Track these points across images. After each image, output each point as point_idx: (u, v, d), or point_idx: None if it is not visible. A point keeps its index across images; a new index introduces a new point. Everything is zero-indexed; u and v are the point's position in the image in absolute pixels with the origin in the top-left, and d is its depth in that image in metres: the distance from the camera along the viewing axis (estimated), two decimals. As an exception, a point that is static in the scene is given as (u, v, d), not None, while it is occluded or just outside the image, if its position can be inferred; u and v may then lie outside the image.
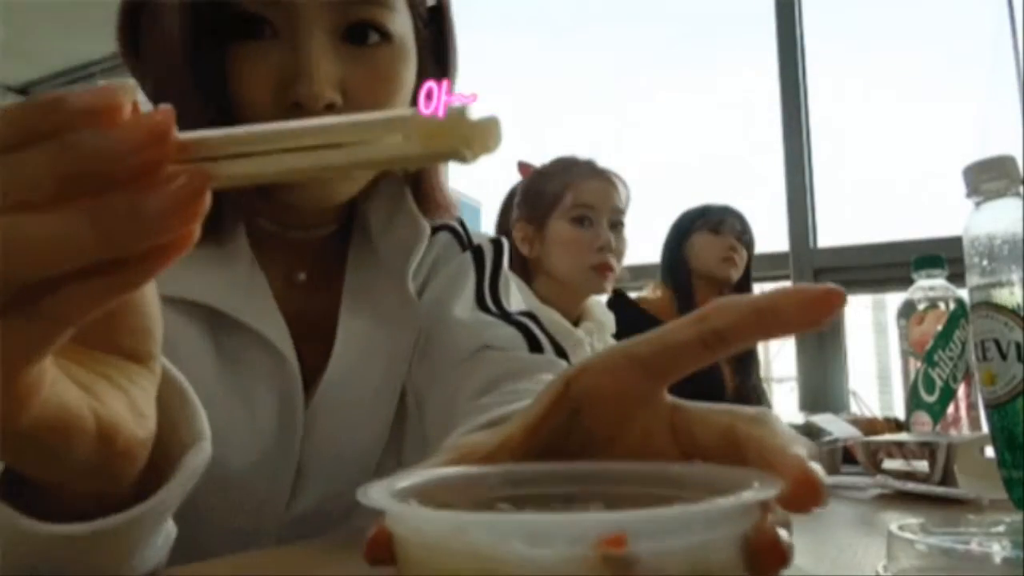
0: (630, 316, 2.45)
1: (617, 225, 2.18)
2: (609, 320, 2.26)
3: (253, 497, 0.81)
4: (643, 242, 2.70)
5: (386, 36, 0.79)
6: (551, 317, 1.97)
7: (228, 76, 0.75)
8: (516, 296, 1.00)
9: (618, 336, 2.18)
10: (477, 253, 0.99)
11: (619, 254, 2.17)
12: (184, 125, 0.34)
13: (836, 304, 0.36)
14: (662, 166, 3.40)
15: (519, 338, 0.89)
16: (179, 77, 0.74)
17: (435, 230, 0.97)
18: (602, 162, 2.25)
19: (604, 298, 2.32)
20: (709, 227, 2.66)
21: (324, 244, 0.91)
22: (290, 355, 0.82)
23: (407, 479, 0.35)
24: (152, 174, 0.32)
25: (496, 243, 1.02)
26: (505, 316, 0.93)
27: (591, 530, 0.26)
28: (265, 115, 0.73)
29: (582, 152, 2.29)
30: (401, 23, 0.81)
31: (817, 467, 0.33)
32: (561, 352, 0.90)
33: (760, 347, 2.67)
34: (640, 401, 0.40)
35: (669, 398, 0.40)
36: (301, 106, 0.73)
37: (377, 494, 0.31)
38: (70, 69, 4.67)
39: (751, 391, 2.58)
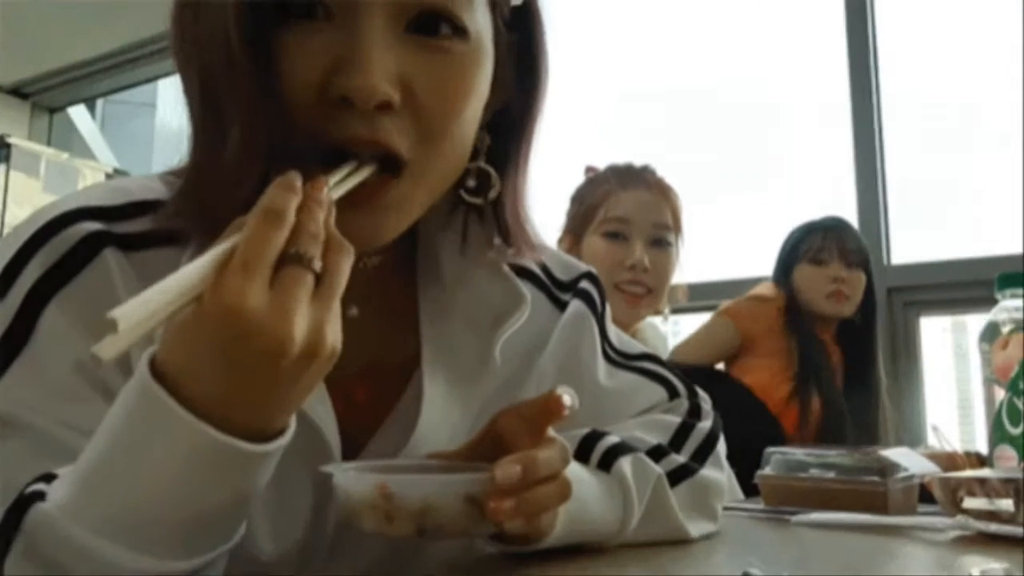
0: (731, 397, 2.40)
1: (660, 242, 2.14)
2: (662, 345, 2.25)
3: None
4: (704, 260, 2.69)
5: (460, 31, 0.76)
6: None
7: (276, 58, 0.73)
8: (613, 327, 1.05)
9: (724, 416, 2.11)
10: (584, 297, 1.00)
11: (659, 275, 2.12)
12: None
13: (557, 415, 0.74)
14: (723, 174, 3.36)
15: (662, 392, 1.03)
16: (229, 55, 0.72)
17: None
18: (661, 168, 2.21)
19: (658, 319, 2.31)
20: (810, 257, 2.59)
21: (379, 273, 0.89)
22: (332, 436, 0.81)
23: (377, 462, 0.80)
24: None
25: (592, 278, 1.03)
26: (638, 368, 1.03)
27: (375, 480, 0.69)
28: (310, 106, 0.72)
29: (641, 158, 2.25)
30: (479, 19, 0.78)
31: (506, 476, 0.68)
32: (689, 388, 1.04)
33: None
34: (525, 435, 0.74)
35: (549, 434, 0.75)
36: (350, 101, 0.71)
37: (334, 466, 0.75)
38: (65, 68, 4.69)
39: (847, 426, 2.50)
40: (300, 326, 0.58)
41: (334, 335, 0.61)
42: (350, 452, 0.83)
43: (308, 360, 0.59)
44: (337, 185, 0.69)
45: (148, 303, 0.54)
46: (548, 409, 0.73)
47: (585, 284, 1.02)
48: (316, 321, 0.59)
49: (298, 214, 0.60)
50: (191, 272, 0.57)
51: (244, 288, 0.56)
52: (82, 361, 0.71)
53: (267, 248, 0.58)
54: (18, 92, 4.92)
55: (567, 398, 0.73)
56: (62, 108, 5.09)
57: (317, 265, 0.60)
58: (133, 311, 0.53)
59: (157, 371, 0.59)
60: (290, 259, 0.59)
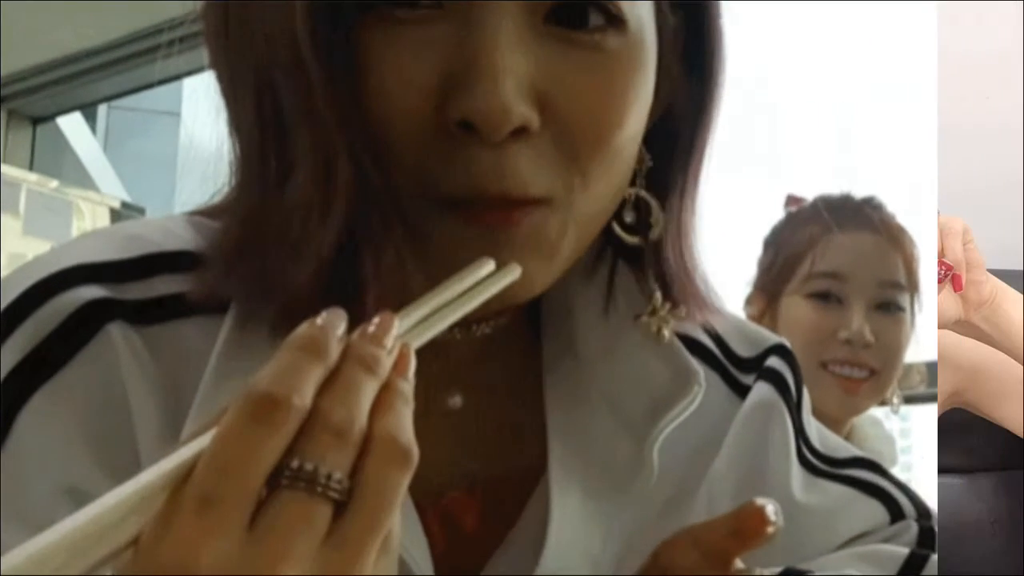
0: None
1: (888, 306, 1.94)
2: (887, 448, 2.12)
3: None
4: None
5: (615, 20, 0.66)
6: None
7: (363, 64, 0.63)
8: (814, 421, 0.97)
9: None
10: (773, 379, 0.89)
11: (887, 351, 1.93)
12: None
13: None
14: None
15: (881, 512, 0.91)
16: (297, 59, 0.62)
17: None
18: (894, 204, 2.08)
19: (883, 412, 2.15)
20: None
21: (490, 344, 0.79)
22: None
23: None
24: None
25: (784, 353, 0.91)
26: (848, 478, 0.92)
27: None
28: (418, 132, 0.62)
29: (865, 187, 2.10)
30: (640, 4, 0.69)
31: None
32: (919, 505, 0.92)
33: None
34: (705, 570, 0.63)
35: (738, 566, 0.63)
36: (474, 127, 0.60)
37: None
38: (54, 63, 4.40)
39: None
40: None
41: None
42: None
43: None
44: (456, 300, 0.57)
45: (45, 555, 0.40)
46: (740, 530, 0.61)
47: (774, 361, 0.90)
48: None
49: (327, 387, 0.46)
50: (122, 498, 0.41)
51: (198, 536, 0.41)
52: (74, 486, 0.61)
53: (244, 470, 0.43)
54: (-10, 92, 4.71)
55: (770, 509, 0.60)
56: (50, 118, 4.89)
57: (338, 486, 0.44)
58: (19, 564, 0.40)
59: None
60: (290, 478, 0.43)
